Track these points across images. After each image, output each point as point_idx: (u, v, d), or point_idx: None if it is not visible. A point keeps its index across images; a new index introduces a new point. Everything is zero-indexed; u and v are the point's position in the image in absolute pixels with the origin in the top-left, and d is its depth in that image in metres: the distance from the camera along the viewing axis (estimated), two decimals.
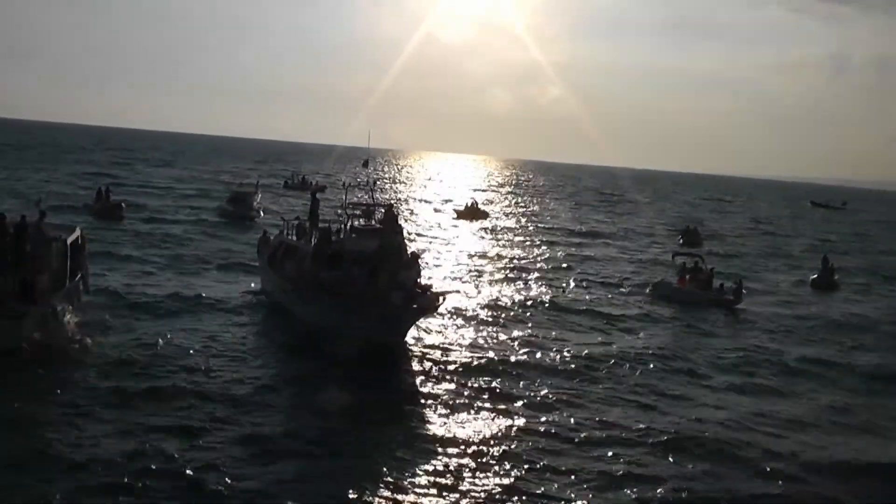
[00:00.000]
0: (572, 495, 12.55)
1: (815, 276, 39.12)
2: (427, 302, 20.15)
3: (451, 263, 36.58)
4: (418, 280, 21.14)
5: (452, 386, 17.47)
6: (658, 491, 12.91)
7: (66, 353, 17.43)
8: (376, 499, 11.95)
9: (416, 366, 18.88)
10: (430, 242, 44.09)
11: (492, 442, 14.30)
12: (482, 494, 12.33)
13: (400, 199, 77.57)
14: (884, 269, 49.14)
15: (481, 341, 21.49)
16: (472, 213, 62.24)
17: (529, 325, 24.13)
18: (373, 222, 23.13)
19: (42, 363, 16.58)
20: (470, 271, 34.54)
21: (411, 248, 23.85)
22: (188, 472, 12.30)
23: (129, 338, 19.00)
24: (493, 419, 15.45)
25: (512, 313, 25.63)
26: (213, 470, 12.39)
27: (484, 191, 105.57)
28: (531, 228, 57.38)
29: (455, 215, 62.18)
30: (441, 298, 21.05)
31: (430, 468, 13.10)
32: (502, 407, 16.23)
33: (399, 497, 12.05)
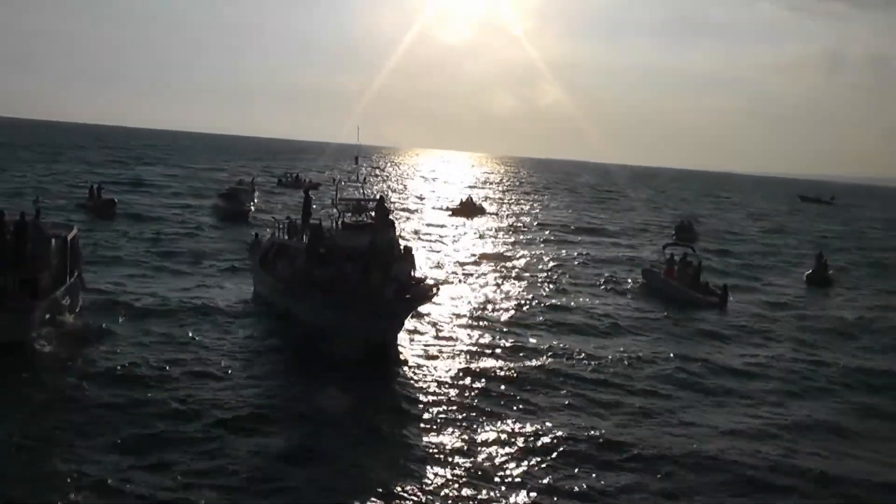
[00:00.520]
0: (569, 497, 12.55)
1: (810, 271, 39.18)
2: (420, 292, 20.18)
3: (446, 259, 36.51)
4: (412, 273, 21.13)
5: (447, 386, 17.40)
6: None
7: (68, 348, 17.56)
8: (377, 499, 11.93)
9: (413, 366, 18.78)
10: (426, 239, 44.03)
11: (487, 443, 14.25)
12: (480, 495, 12.32)
13: (395, 196, 77.51)
14: (876, 263, 49.26)
15: (475, 340, 21.41)
16: (468, 209, 62.22)
17: (523, 323, 24.04)
18: (364, 218, 23.02)
19: (45, 358, 16.78)
20: (464, 267, 34.47)
21: (405, 243, 23.74)
22: (187, 471, 12.28)
23: (124, 338, 18.96)
24: (486, 420, 15.35)
25: (505, 310, 25.59)
26: (212, 471, 12.39)
27: (481, 188, 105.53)
28: (527, 224, 57.37)
29: (451, 212, 62.26)
30: (435, 289, 21.09)
31: (428, 469, 13.07)
32: (497, 406, 16.20)
33: (399, 498, 12.04)
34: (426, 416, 15.60)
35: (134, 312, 21.45)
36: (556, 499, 12.45)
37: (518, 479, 12.91)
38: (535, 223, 58.92)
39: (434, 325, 22.50)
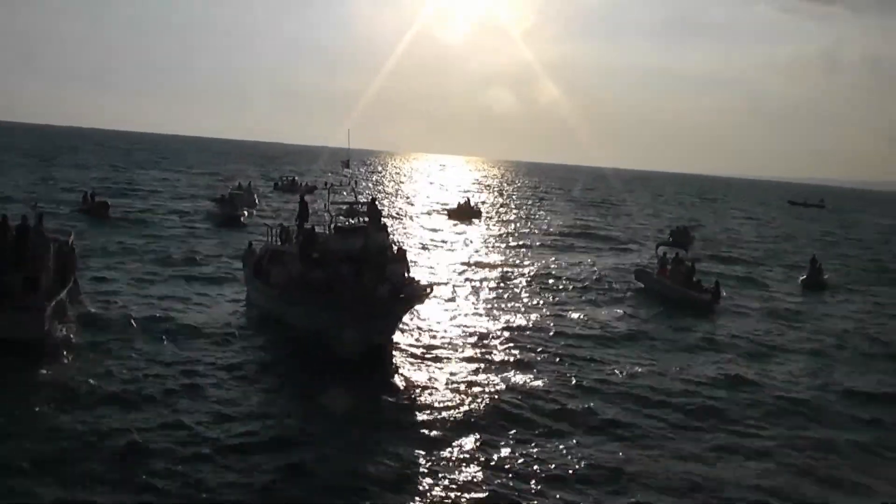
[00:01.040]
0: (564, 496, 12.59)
1: (804, 276, 39.18)
2: (414, 292, 20.17)
3: (442, 262, 36.48)
4: (406, 274, 21.15)
5: (442, 389, 17.36)
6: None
7: (70, 349, 17.85)
8: (376, 500, 12.03)
9: (408, 369, 18.75)
10: (422, 241, 43.97)
11: (480, 447, 14.22)
12: (479, 495, 12.41)
13: (391, 200, 77.49)
14: (871, 268, 49.31)
15: (469, 343, 21.39)
16: (465, 212, 62.22)
17: (516, 327, 23.95)
18: (356, 221, 22.98)
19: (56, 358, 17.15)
20: (460, 270, 34.45)
21: (399, 244, 23.80)
22: (184, 472, 12.33)
23: (119, 339, 19.04)
24: (481, 424, 15.33)
25: (499, 314, 25.51)
26: (210, 472, 12.44)
27: (477, 191, 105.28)
28: (522, 228, 57.33)
29: (448, 214, 62.34)
30: (429, 289, 21.12)
31: (420, 472, 13.11)
32: (490, 410, 16.18)
33: (402, 497, 12.16)
34: (420, 419, 15.59)
35: (126, 317, 21.29)
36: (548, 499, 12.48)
37: (512, 483, 12.86)
38: (531, 227, 58.92)
39: (429, 328, 22.44)
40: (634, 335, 24.22)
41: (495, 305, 26.79)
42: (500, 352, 20.73)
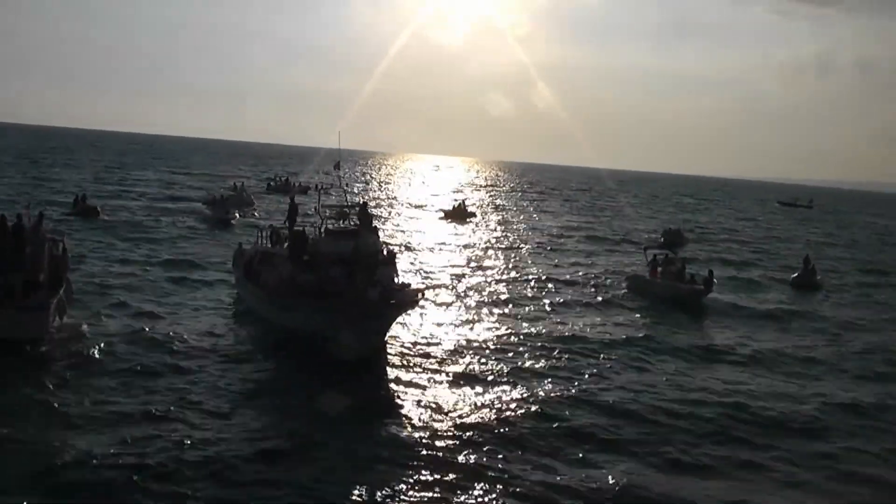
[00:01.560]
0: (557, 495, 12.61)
1: (796, 275, 39.26)
2: (405, 298, 20.05)
3: (436, 264, 36.43)
4: (395, 277, 21.01)
5: (434, 393, 17.31)
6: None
7: (67, 350, 18.00)
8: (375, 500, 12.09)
9: (400, 372, 18.66)
10: (417, 243, 43.89)
11: (472, 451, 14.15)
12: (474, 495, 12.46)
13: (385, 201, 77.39)
14: (864, 269, 49.42)
15: (461, 346, 21.27)
16: (459, 213, 62.26)
17: (509, 329, 23.91)
18: (347, 223, 22.89)
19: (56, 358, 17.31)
20: (453, 272, 34.41)
21: (389, 247, 23.68)
22: (182, 472, 12.39)
23: (115, 341, 19.04)
24: (473, 428, 15.24)
25: (492, 317, 25.43)
26: (208, 474, 12.48)
27: (473, 193, 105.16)
28: (517, 230, 57.19)
29: (443, 214, 62.51)
30: (420, 294, 21.01)
31: (425, 469, 13.24)
32: (489, 408, 16.21)
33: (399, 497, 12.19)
34: (412, 424, 15.47)
35: (117, 319, 21.35)
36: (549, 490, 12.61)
37: (505, 487, 12.83)
38: (525, 229, 58.79)
39: (421, 332, 22.31)
40: (628, 342, 23.26)
41: (488, 310, 26.49)
42: (492, 357, 20.43)
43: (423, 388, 17.57)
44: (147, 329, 20.49)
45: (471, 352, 20.64)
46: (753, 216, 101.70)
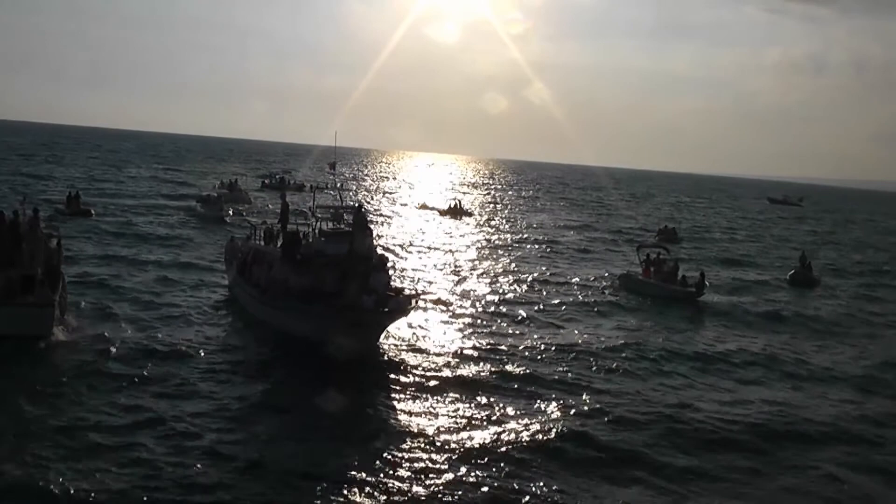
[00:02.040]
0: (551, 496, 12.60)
1: (793, 272, 39.35)
2: (399, 305, 19.86)
3: (430, 263, 36.35)
4: (389, 283, 20.84)
5: (425, 393, 17.25)
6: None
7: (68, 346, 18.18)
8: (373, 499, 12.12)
9: (391, 374, 18.55)
10: (412, 243, 43.77)
11: (465, 457, 14.02)
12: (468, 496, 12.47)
13: (380, 199, 77.26)
14: (859, 264, 49.54)
15: (455, 348, 21.12)
16: (456, 212, 62.21)
17: (505, 327, 23.88)
18: (342, 225, 22.73)
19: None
20: (448, 271, 34.33)
21: (382, 251, 23.52)
22: (179, 468, 12.51)
23: (107, 339, 18.99)
24: (466, 432, 15.11)
25: (486, 318, 25.22)
26: (198, 471, 12.54)
27: (468, 191, 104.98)
28: (511, 229, 57.12)
29: (439, 213, 62.69)
30: (413, 302, 20.87)
31: (420, 469, 13.24)
32: (476, 418, 15.96)
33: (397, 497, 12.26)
34: (403, 425, 15.41)
35: (109, 317, 21.38)
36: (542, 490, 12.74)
37: (497, 492, 12.75)
38: (521, 228, 58.69)
39: (414, 331, 22.14)
40: (623, 347, 22.41)
41: (482, 312, 26.00)
42: (485, 361, 20.08)
43: (416, 390, 17.42)
44: (138, 329, 20.44)
45: (463, 357, 20.29)
46: (748, 214, 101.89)
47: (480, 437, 14.82)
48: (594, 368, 20.03)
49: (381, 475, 12.93)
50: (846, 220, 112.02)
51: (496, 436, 14.89)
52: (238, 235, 27.61)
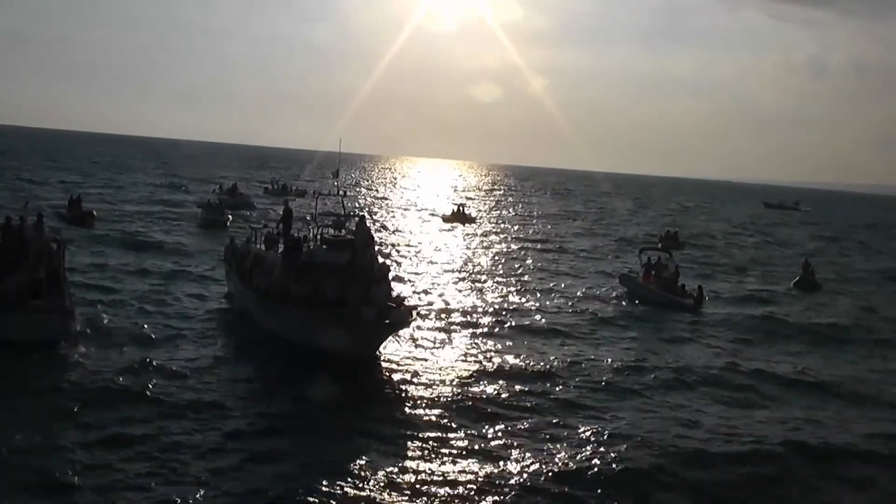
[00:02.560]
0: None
1: (797, 278, 39.26)
2: (399, 317, 19.72)
3: (432, 269, 36.30)
4: (390, 293, 20.71)
5: (423, 401, 17.15)
6: None
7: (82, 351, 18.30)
8: (368, 492, 12.35)
9: (391, 382, 18.48)
10: (414, 248, 43.71)
11: (463, 469, 13.87)
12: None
13: (382, 204, 77.24)
14: (863, 269, 49.36)
15: (455, 355, 21.01)
16: (458, 218, 62.10)
17: (504, 334, 23.69)
18: (343, 233, 22.63)
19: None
20: (450, 277, 34.22)
21: (384, 258, 23.35)
22: (175, 466, 12.74)
23: (110, 343, 19.05)
24: (464, 441, 14.95)
25: (488, 324, 25.02)
26: (202, 469, 12.77)
27: (471, 197, 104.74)
28: (513, 235, 56.87)
29: (442, 219, 62.55)
30: (414, 313, 20.79)
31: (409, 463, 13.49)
32: (475, 427, 15.77)
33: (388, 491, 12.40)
34: (401, 431, 15.34)
35: (114, 317, 21.57)
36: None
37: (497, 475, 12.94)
38: (523, 234, 58.43)
39: (414, 338, 22.00)
40: (625, 363, 21.36)
41: (483, 321, 25.57)
42: (483, 371, 19.82)
43: (414, 401, 17.24)
44: (138, 332, 20.48)
45: (461, 368, 19.90)
46: (749, 219, 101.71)
47: (476, 448, 14.58)
48: (587, 381, 19.27)
49: (374, 487, 12.80)
50: (849, 224, 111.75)
51: (494, 451, 14.59)
52: (238, 238, 27.51)
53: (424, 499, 12.48)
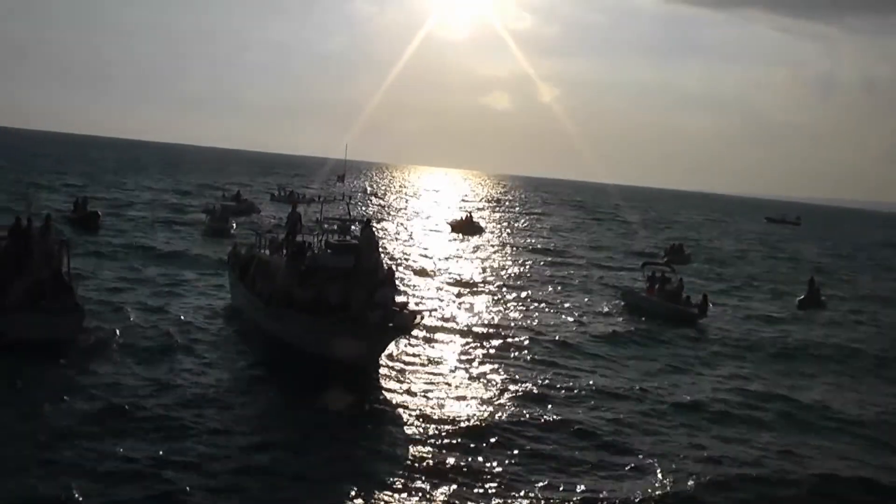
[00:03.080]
0: None
1: (802, 297, 38.77)
2: (404, 321, 19.68)
3: (438, 276, 36.33)
4: (395, 298, 20.66)
5: (424, 409, 17.06)
6: None
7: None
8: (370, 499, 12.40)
9: (392, 389, 18.37)
10: (421, 257, 43.63)
11: (473, 454, 14.14)
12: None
13: (390, 212, 77.26)
14: (868, 289, 48.95)
15: (455, 365, 20.93)
16: (466, 226, 61.96)
17: (506, 347, 23.38)
18: (348, 238, 22.62)
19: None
20: (455, 286, 34.15)
21: (388, 263, 23.32)
22: (177, 470, 12.77)
23: (110, 354, 18.92)
24: (461, 451, 14.84)
25: (489, 334, 24.75)
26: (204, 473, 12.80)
27: (479, 207, 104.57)
28: (521, 246, 56.75)
29: (449, 228, 62.37)
30: (419, 317, 20.71)
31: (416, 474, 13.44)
32: (474, 437, 15.65)
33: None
34: (401, 436, 15.33)
35: (115, 321, 21.63)
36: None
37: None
38: (531, 244, 58.35)
39: (415, 346, 21.95)
40: (627, 384, 20.72)
41: (487, 331, 25.41)
42: (487, 376, 19.99)
43: (414, 408, 17.21)
44: (142, 334, 20.59)
45: (461, 376, 19.93)
46: (756, 234, 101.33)
47: (475, 457, 14.52)
48: (587, 402, 18.76)
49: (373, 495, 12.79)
50: (858, 240, 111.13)
51: (491, 459, 14.54)
52: (241, 243, 27.51)
53: None
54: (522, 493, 13.21)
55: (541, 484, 13.60)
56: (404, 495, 12.76)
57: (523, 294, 33.96)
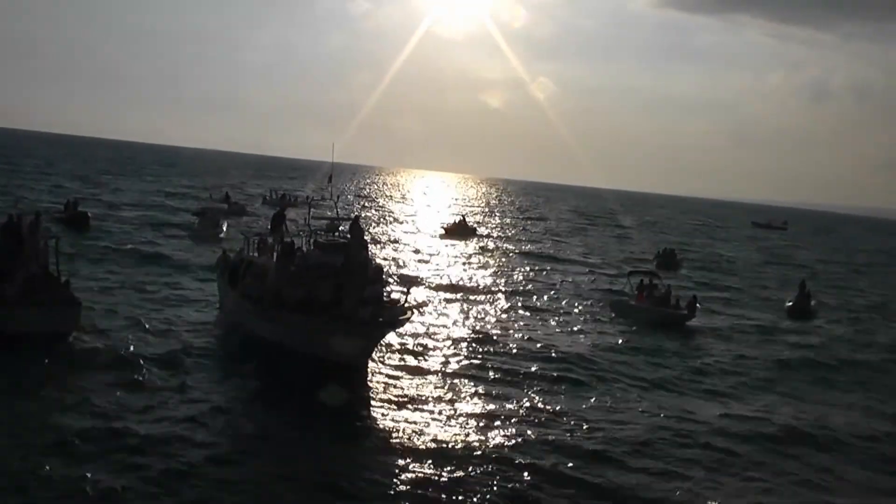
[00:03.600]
0: None
1: (791, 302, 38.34)
2: (395, 315, 19.70)
3: (430, 280, 36.32)
4: (384, 294, 20.68)
5: (415, 409, 17.16)
6: None
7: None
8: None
9: (383, 389, 18.44)
10: (414, 258, 43.59)
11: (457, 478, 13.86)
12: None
13: (381, 216, 77.20)
14: (857, 297, 49.02)
15: (447, 366, 20.96)
16: (459, 230, 61.92)
17: (496, 350, 23.52)
18: (337, 236, 22.65)
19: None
20: (448, 289, 34.18)
21: (377, 262, 23.41)
22: (177, 470, 12.98)
23: (99, 357, 18.87)
24: (456, 450, 15.03)
25: (482, 339, 24.75)
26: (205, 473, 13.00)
27: (472, 212, 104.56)
28: (515, 248, 56.85)
29: (443, 232, 62.15)
30: (410, 312, 20.70)
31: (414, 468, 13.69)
32: (467, 435, 15.86)
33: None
34: (394, 438, 15.34)
35: (111, 321, 21.88)
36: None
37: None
38: (524, 248, 58.27)
39: (407, 347, 21.98)
40: (612, 369, 22.02)
41: (476, 329, 25.71)
42: (473, 377, 20.05)
43: (404, 402, 17.39)
44: (132, 342, 20.35)
45: (452, 373, 20.11)
46: (748, 239, 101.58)
47: (464, 450, 14.73)
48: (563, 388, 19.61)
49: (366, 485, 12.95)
50: (850, 246, 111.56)
51: (483, 452, 14.74)
52: (230, 249, 27.45)
53: None
54: (511, 494, 13.33)
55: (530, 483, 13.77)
56: (396, 499, 12.81)
57: (515, 298, 33.92)
